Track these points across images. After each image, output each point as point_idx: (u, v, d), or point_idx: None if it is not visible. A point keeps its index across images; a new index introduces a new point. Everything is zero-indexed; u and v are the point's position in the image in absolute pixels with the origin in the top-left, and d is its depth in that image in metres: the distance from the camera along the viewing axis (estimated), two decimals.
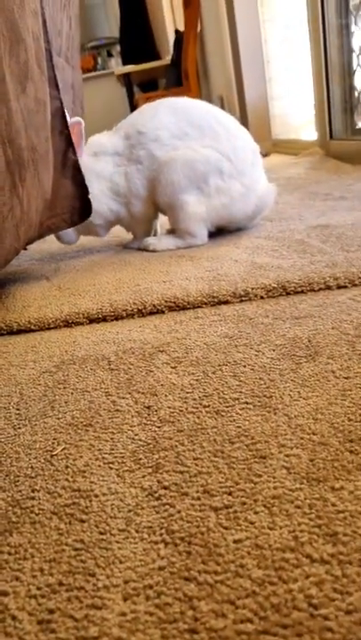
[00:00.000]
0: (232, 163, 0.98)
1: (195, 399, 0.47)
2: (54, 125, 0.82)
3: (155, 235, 1.15)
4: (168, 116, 1.01)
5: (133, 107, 3.95)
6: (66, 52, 1.26)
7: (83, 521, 0.34)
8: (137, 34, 4.64)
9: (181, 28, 3.60)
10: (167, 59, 4.12)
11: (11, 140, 0.62)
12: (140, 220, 1.08)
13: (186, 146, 0.98)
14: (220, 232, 1.08)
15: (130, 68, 4.07)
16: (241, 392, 0.47)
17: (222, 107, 3.51)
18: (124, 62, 4.65)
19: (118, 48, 5.04)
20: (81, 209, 0.92)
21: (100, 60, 5.35)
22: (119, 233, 1.26)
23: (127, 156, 1.03)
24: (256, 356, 0.53)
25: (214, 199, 0.98)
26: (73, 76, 1.36)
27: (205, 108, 1.03)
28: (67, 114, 0.89)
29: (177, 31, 3.82)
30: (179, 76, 3.65)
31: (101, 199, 1.03)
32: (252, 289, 0.70)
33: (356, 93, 1.92)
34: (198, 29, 3.38)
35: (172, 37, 4.10)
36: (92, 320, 0.72)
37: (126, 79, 4.11)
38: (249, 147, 1.02)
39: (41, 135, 0.74)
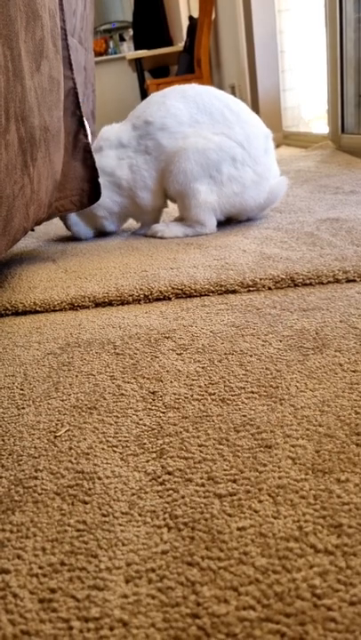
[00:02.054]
0: (245, 150, 0.96)
1: (200, 386, 0.47)
2: (67, 106, 0.81)
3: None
4: (176, 103, 1.00)
5: (144, 92, 3.91)
6: (80, 32, 1.25)
7: (85, 502, 0.34)
8: (150, 19, 4.59)
9: (196, 14, 3.55)
10: (180, 45, 4.08)
11: (24, 117, 0.61)
12: (149, 211, 1.07)
13: (196, 133, 0.97)
14: (228, 222, 1.07)
15: (142, 53, 4.03)
16: (247, 381, 0.46)
17: (234, 96, 3.48)
18: (137, 47, 4.60)
19: (131, 32, 4.98)
20: (90, 192, 0.91)
21: (111, 44, 5.29)
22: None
23: (134, 147, 1.02)
24: (263, 346, 0.53)
25: (226, 187, 0.96)
26: (86, 57, 1.34)
27: (215, 93, 1.01)
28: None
29: (191, 18, 3.78)
30: (191, 64, 3.62)
31: (103, 192, 1.02)
32: (261, 279, 0.69)
33: None
34: (213, 17, 3.34)
35: (185, 24, 4.05)
36: (98, 304, 0.71)
37: (138, 64, 4.07)
38: (261, 133, 1.00)
39: (54, 115, 0.73)
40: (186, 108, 0.99)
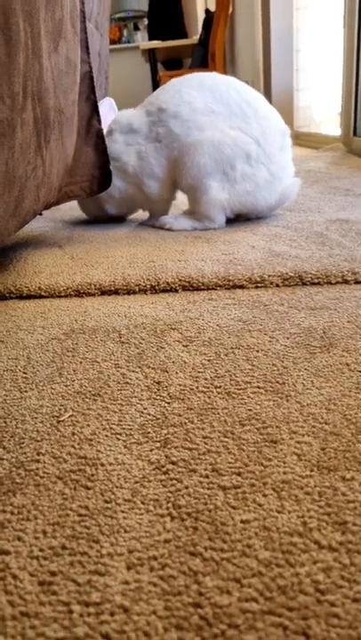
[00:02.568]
0: (260, 146, 0.94)
1: (206, 379, 0.46)
2: (82, 89, 0.80)
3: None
4: (192, 91, 0.97)
5: (156, 84, 3.89)
6: (96, 17, 1.24)
7: (88, 488, 0.34)
8: (166, 9, 4.55)
9: (212, 7, 3.52)
10: (195, 38, 4.05)
11: (40, 97, 0.61)
12: (156, 200, 1.06)
13: (212, 124, 0.95)
14: (237, 218, 1.06)
15: (156, 43, 4.00)
16: (253, 376, 0.46)
17: None
18: (151, 37, 4.57)
19: (146, 22, 4.95)
20: (101, 179, 0.91)
21: (125, 33, 5.26)
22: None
23: (145, 133, 1.00)
24: (270, 342, 0.52)
25: (239, 185, 0.94)
26: (101, 43, 1.33)
27: (234, 84, 0.98)
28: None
29: (207, 11, 3.75)
30: (205, 57, 3.59)
31: None
32: (269, 276, 0.69)
33: None
34: (230, 11, 3.31)
35: (201, 16, 4.02)
36: (104, 292, 0.71)
37: (151, 55, 4.04)
38: (278, 129, 0.98)
39: (69, 97, 0.72)
40: (201, 96, 0.96)
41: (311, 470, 0.34)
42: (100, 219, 1.14)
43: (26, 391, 0.47)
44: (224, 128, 0.94)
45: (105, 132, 1.00)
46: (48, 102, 0.65)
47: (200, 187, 0.95)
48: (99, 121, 0.89)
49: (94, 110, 0.87)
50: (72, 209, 1.33)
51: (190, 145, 0.95)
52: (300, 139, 2.78)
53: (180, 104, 0.97)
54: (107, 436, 0.39)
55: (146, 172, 1.01)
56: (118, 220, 1.17)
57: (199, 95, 0.96)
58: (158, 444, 0.38)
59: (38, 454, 0.38)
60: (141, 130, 1.00)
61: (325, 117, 2.77)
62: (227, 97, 0.96)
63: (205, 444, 0.37)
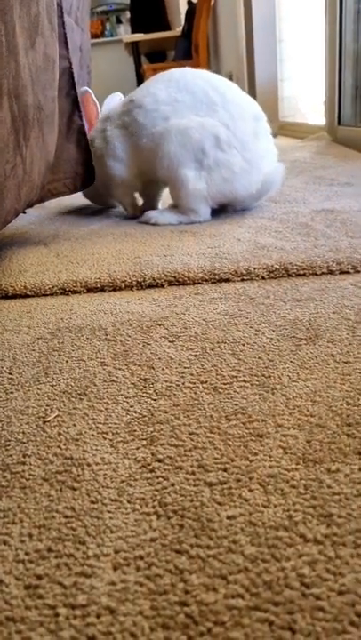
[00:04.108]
0: (229, 129, 0.92)
1: (192, 374, 0.46)
2: (61, 85, 0.79)
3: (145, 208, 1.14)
4: (159, 84, 0.99)
5: (140, 77, 3.86)
6: (76, 11, 1.22)
7: (74, 489, 0.34)
8: (148, 2, 4.51)
9: None
10: (178, 30, 4.02)
11: (17, 95, 0.60)
12: (118, 183, 1.06)
13: (176, 113, 0.95)
14: (223, 210, 1.06)
15: (139, 36, 3.96)
16: (239, 370, 0.46)
17: None
18: (134, 30, 4.52)
19: (128, 15, 4.90)
20: (84, 175, 0.90)
21: (108, 26, 5.21)
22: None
23: (115, 121, 1.03)
24: (256, 335, 0.52)
25: (215, 173, 0.93)
26: (81, 38, 1.32)
27: (202, 74, 0.98)
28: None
29: (190, 2, 3.71)
30: (188, 49, 3.57)
31: None
32: (255, 268, 0.69)
33: None
34: (212, 2, 3.29)
35: (184, 8, 3.98)
36: (90, 289, 0.70)
37: (134, 48, 4.01)
38: (250, 114, 0.96)
39: (48, 94, 0.71)
40: (165, 88, 0.98)
41: (297, 463, 0.34)
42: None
43: (11, 392, 0.47)
44: (190, 115, 0.94)
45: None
46: (26, 99, 0.64)
47: (177, 178, 0.95)
48: (80, 117, 0.88)
49: (75, 106, 0.86)
50: (57, 206, 1.32)
51: (158, 135, 0.95)
52: (285, 129, 2.78)
53: (145, 95, 0.99)
54: (93, 435, 0.39)
55: (109, 153, 1.03)
56: (103, 215, 1.16)
57: (164, 87, 0.98)
58: (145, 442, 0.38)
59: (24, 456, 0.38)
60: (113, 118, 1.04)
61: (311, 107, 2.76)
62: (192, 85, 0.96)
63: (192, 440, 0.37)
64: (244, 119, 0.94)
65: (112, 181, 1.06)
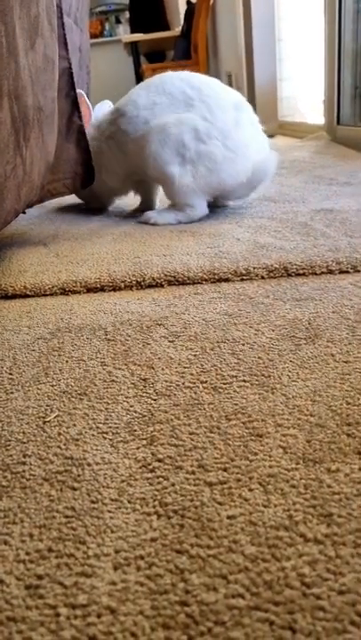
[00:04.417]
0: (207, 121, 0.93)
1: (192, 374, 0.46)
2: (61, 86, 0.79)
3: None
4: (140, 89, 1.01)
5: (139, 77, 3.86)
6: (75, 12, 1.22)
7: (74, 489, 0.34)
8: (148, 1, 4.51)
9: None
10: (177, 30, 4.02)
11: (17, 96, 0.60)
12: (109, 191, 1.11)
13: (154, 115, 0.97)
14: (222, 210, 1.06)
15: (138, 36, 3.96)
16: (239, 370, 0.46)
17: (230, 84, 3.44)
18: (133, 30, 4.52)
19: (127, 15, 4.90)
20: (83, 175, 0.90)
21: (107, 26, 5.21)
22: (118, 203, 1.24)
23: (104, 132, 1.06)
24: (255, 335, 0.52)
25: (199, 165, 0.93)
26: (81, 38, 1.32)
27: (181, 75, 1.00)
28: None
29: (189, 2, 3.71)
30: (187, 49, 3.57)
31: None
32: (254, 268, 0.69)
33: None
34: (211, 2, 3.29)
35: (183, 8, 3.98)
36: (90, 289, 0.70)
37: (133, 48, 4.00)
38: (230, 103, 0.96)
39: (47, 95, 0.71)
40: (146, 93, 1.00)
41: (297, 463, 0.34)
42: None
43: (12, 392, 0.47)
44: (167, 115, 0.95)
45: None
46: (26, 100, 0.64)
47: (164, 176, 0.96)
48: (80, 117, 0.88)
49: (75, 107, 0.86)
50: (56, 206, 1.32)
51: (141, 138, 0.98)
52: (285, 128, 2.78)
53: (127, 104, 1.02)
54: (93, 435, 0.39)
55: (100, 163, 1.06)
56: (103, 215, 1.16)
57: (144, 93, 1.00)
58: (145, 442, 0.38)
59: (24, 456, 0.38)
60: (102, 127, 1.07)
61: (310, 107, 2.76)
62: (170, 87, 0.97)
63: (192, 440, 0.37)
64: (223, 109, 0.94)
65: (102, 189, 1.11)
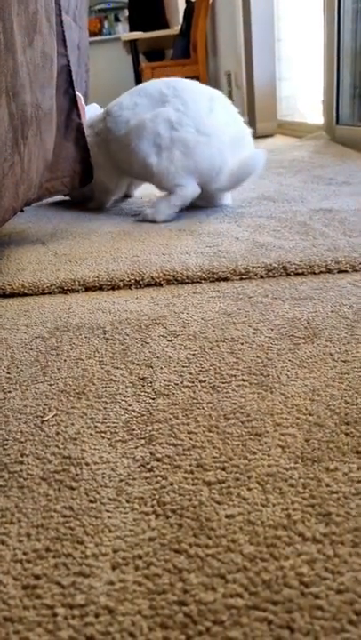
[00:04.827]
0: (180, 111, 0.97)
1: (191, 373, 0.46)
2: (60, 84, 0.79)
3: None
4: (126, 93, 1.08)
5: (138, 75, 3.85)
6: (74, 10, 1.22)
7: (72, 488, 0.34)
8: (147, 0, 4.50)
9: None
10: (176, 28, 4.01)
11: (15, 93, 0.60)
12: (102, 188, 1.14)
13: (135, 115, 1.02)
14: (221, 209, 1.06)
15: (137, 34, 3.95)
16: (238, 369, 0.46)
17: (229, 83, 3.44)
18: (132, 29, 4.51)
19: (127, 13, 4.89)
20: (82, 173, 0.90)
21: (106, 25, 5.19)
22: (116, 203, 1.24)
23: (94, 130, 1.11)
24: (254, 334, 0.52)
25: (173, 150, 0.97)
26: (80, 36, 1.31)
27: (164, 80, 1.05)
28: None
29: (188, 1, 3.71)
30: (187, 48, 3.56)
31: None
32: (253, 267, 0.69)
33: None
34: (211, 1, 3.28)
35: (182, 6, 3.98)
36: (88, 288, 0.70)
37: (133, 46, 3.99)
38: (204, 95, 1.00)
39: (46, 92, 0.71)
40: (130, 96, 1.06)
41: (295, 462, 0.34)
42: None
43: (9, 391, 0.46)
44: (145, 114, 1.01)
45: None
46: (25, 98, 0.64)
47: (146, 169, 1.00)
48: (78, 115, 0.88)
49: (73, 104, 0.85)
50: (55, 204, 1.31)
51: (123, 137, 1.03)
52: (284, 127, 2.78)
53: (114, 105, 1.08)
54: (91, 434, 0.39)
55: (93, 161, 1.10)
56: (102, 213, 1.16)
57: (129, 95, 1.06)
58: (143, 441, 0.38)
59: (22, 455, 0.37)
60: (93, 126, 1.12)
61: (309, 106, 2.76)
62: (150, 88, 1.04)
63: (190, 439, 0.37)
64: (196, 101, 0.99)
65: (96, 187, 1.14)
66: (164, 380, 0.45)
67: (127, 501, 0.32)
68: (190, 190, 1.00)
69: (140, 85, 1.09)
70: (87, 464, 0.36)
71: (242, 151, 1.00)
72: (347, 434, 0.36)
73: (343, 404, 0.39)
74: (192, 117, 0.97)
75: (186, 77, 1.10)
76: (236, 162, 0.98)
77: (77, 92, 1.09)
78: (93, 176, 0.95)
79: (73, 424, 0.40)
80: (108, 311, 0.62)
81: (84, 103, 1.17)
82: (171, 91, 1.01)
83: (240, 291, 0.64)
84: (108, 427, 0.40)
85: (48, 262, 0.81)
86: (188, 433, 0.38)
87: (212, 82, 3.92)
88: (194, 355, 0.49)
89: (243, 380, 0.44)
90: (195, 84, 1.05)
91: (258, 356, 0.48)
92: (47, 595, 0.26)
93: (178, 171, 0.99)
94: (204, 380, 0.45)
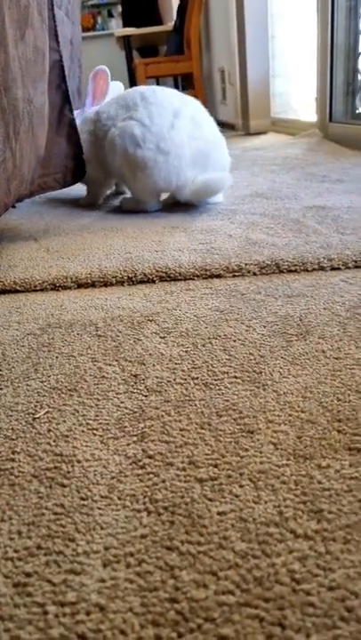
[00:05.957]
0: (145, 126, 0.99)
1: (183, 370, 0.46)
2: (52, 79, 0.78)
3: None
4: (113, 102, 1.10)
5: (131, 71, 3.83)
6: (67, 4, 1.21)
7: (64, 485, 0.34)
8: None
9: None
10: (170, 25, 3.99)
11: (7, 87, 0.59)
12: (93, 180, 1.18)
13: (114, 125, 1.06)
14: (214, 206, 1.06)
15: (130, 30, 3.93)
16: (230, 366, 0.46)
17: (223, 80, 3.43)
18: (125, 24, 4.49)
19: (120, 9, 4.86)
20: (74, 169, 0.89)
21: (99, 20, 5.16)
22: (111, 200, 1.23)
23: (88, 127, 1.14)
24: (247, 331, 0.52)
25: (136, 172, 1.01)
26: (72, 31, 1.30)
27: (140, 89, 1.08)
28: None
29: None
30: (180, 44, 3.54)
31: None
32: (246, 264, 0.69)
33: (360, 77, 1.89)
34: None
35: (176, 2, 3.96)
36: (81, 285, 0.70)
37: (126, 42, 3.97)
38: (170, 110, 1.01)
39: (38, 87, 0.70)
40: (114, 104, 1.09)
41: (287, 459, 0.34)
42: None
43: (1, 389, 0.46)
44: (114, 129, 1.04)
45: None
46: (16, 92, 0.63)
47: (123, 178, 1.07)
48: (70, 111, 0.87)
49: (66, 100, 0.85)
50: (47, 200, 1.30)
51: (106, 144, 1.07)
52: (278, 125, 2.78)
53: (103, 112, 1.10)
54: (83, 431, 0.39)
55: (85, 155, 1.14)
56: (94, 210, 1.15)
57: (115, 104, 1.09)
58: (135, 439, 0.37)
59: (13, 453, 0.37)
60: (87, 122, 1.15)
61: (303, 103, 2.76)
62: (128, 98, 1.07)
63: (182, 436, 0.37)
64: (161, 115, 1.01)
65: (88, 177, 1.16)
66: (157, 377, 0.45)
67: (119, 499, 0.32)
68: (150, 206, 1.08)
69: (125, 92, 1.12)
70: (79, 461, 0.36)
71: (210, 163, 1.03)
72: (339, 431, 0.36)
73: (335, 402, 0.39)
74: (155, 133, 0.99)
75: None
76: (202, 177, 1.00)
77: (105, 67, 1.11)
78: (86, 172, 0.95)
79: (65, 421, 0.40)
80: (100, 308, 0.62)
81: (110, 80, 1.19)
82: (143, 102, 1.04)
83: (233, 288, 0.64)
84: (100, 424, 0.40)
85: (40, 259, 0.80)
86: (181, 430, 0.38)
87: (206, 79, 3.91)
88: (186, 352, 0.49)
89: (235, 377, 0.44)
90: (168, 94, 1.06)
91: (250, 354, 0.48)
92: (38, 592, 0.26)
93: (140, 189, 1.05)
94: (197, 378, 0.45)
